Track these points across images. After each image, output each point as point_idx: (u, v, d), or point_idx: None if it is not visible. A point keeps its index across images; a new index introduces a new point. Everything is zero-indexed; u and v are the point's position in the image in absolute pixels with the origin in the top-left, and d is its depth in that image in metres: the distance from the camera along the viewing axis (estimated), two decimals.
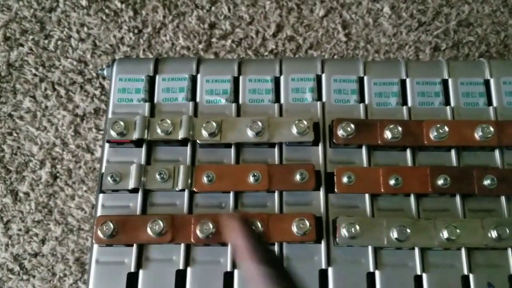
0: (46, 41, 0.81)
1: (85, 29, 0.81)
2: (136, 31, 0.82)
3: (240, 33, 0.81)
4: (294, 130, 0.50)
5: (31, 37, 0.81)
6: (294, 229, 0.47)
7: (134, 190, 0.50)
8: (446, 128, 0.49)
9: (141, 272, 0.48)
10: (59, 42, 0.81)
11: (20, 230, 0.71)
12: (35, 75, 0.79)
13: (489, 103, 0.54)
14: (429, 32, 0.81)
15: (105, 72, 0.55)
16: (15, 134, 0.75)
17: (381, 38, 0.81)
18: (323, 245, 0.48)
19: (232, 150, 0.51)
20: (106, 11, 0.82)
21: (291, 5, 0.82)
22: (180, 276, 0.48)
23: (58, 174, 0.74)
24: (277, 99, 0.54)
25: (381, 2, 0.82)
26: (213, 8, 0.82)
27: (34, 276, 0.69)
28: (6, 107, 0.76)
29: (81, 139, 0.75)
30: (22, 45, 0.80)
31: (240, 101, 0.54)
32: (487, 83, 0.54)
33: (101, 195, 0.50)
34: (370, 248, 0.48)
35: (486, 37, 0.81)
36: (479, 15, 0.81)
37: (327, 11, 0.82)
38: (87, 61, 0.80)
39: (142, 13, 0.83)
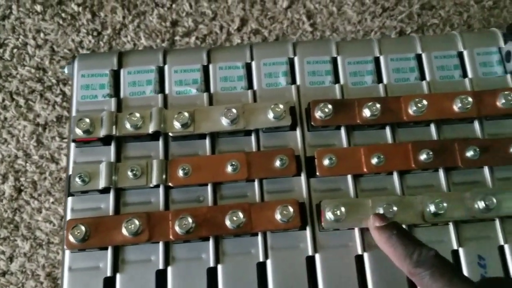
0: (1, 50, 0.77)
1: (42, 35, 0.78)
2: (95, 33, 0.79)
3: (204, 29, 0.79)
4: (271, 115, 0.48)
5: None
6: (278, 216, 0.45)
7: (105, 190, 0.47)
8: (425, 102, 0.48)
9: (118, 276, 0.45)
10: (15, 50, 0.77)
11: None
12: None
13: (464, 75, 0.53)
14: (393, 17, 0.81)
15: (65, 69, 0.52)
16: None
17: (346, 26, 0.80)
18: (308, 231, 0.46)
19: (207, 140, 0.49)
20: (63, 15, 0.79)
21: None
22: (161, 277, 0.45)
23: (22, 187, 0.70)
24: (250, 85, 0.52)
25: None
26: (174, 5, 0.80)
27: None
28: None
29: (44, 149, 0.72)
30: None
31: (212, 90, 0.51)
32: (460, 55, 0.53)
33: (69, 199, 0.47)
34: (356, 230, 0.46)
35: (449, 18, 0.81)
36: None
37: (290, 2, 0.80)
38: (45, 68, 0.76)
39: (100, 15, 0.80)
